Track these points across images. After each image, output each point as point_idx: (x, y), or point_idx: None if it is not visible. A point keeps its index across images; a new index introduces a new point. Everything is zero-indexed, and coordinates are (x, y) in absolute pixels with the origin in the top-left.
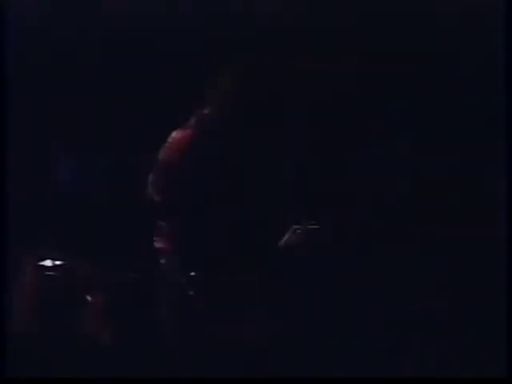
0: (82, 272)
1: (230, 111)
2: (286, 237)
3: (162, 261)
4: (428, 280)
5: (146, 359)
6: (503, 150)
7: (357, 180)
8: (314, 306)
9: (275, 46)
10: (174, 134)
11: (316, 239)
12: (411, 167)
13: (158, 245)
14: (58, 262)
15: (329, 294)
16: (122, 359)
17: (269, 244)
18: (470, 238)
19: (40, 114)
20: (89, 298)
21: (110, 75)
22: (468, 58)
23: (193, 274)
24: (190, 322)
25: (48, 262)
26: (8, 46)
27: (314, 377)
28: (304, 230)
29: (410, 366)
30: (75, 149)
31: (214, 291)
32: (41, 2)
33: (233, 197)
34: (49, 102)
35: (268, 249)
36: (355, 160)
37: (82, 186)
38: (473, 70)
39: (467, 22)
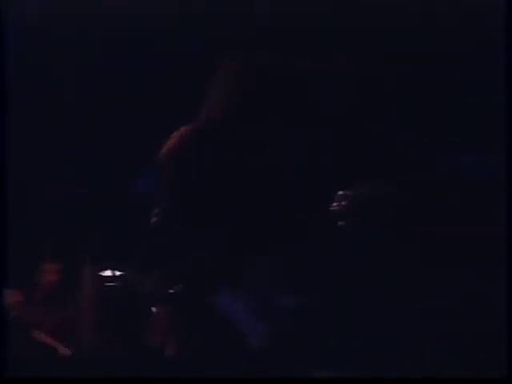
0: (142, 283)
1: (231, 110)
2: (334, 204)
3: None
4: (428, 280)
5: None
6: (503, 150)
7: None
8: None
9: (276, 44)
10: (174, 134)
11: (365, 205)
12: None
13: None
14: (117, 273)
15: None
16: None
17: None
18: (469, 238)
19: (40, 114)
20: (151, 309)
21: (110, 75)
22: (468, 58)
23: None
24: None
25: (108, 273)
26: (8, 46)
27: (317, 377)
28: (351, 195)
29: (410, 366)
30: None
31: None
32: (41, 2)
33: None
34: (49, 102)
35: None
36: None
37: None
38: (473, 70)
39: (467, 22)
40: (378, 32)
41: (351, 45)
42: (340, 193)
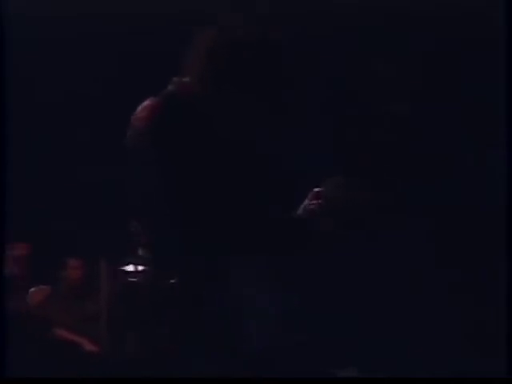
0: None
1: (207, 79)
2: (305, 202)
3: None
4: (429, 279)
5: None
6: (503, 150)
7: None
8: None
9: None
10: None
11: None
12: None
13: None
14: (139, 268)
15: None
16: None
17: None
18: (469, 238)
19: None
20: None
21: (109, 75)
22: (468, 58)
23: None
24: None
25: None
26: (8, 46)
27: (314, 377)
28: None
29: (410, 366)
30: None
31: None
32: (41, 2)
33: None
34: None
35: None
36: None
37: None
38: (473, 70)
39: (467, 22)
40: (378, 32)
41: (348, 43)
42: (314, 190)
